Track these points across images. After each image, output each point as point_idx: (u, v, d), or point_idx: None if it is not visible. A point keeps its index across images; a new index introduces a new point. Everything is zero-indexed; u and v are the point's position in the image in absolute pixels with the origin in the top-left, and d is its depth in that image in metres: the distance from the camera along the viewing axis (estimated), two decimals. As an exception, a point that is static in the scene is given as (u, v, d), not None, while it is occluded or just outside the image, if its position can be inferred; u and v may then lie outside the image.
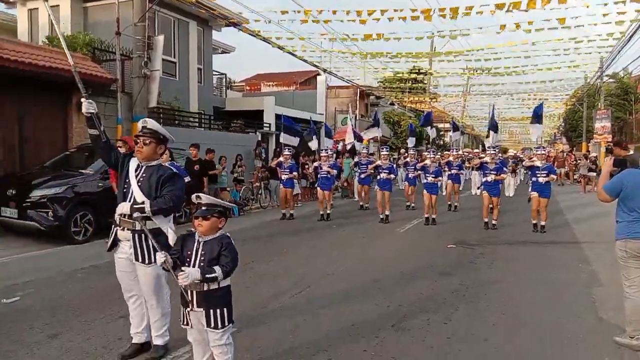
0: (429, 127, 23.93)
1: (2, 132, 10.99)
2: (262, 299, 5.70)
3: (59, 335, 4.54)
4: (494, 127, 17.92)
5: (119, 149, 8.37)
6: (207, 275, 3.15)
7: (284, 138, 15.92)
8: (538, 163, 10.69)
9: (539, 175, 10.61)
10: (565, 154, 27.90)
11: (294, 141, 16.08)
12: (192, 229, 3.40)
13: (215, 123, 18.58)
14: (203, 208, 3.24)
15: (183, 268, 3.18)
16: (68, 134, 12.25)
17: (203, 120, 17.61)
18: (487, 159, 11.69)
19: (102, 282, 6.17)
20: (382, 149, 13.98)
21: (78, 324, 4.83)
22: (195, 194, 3.33)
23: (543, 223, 10.78)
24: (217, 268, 3.17)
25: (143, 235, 3.77)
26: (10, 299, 5.60)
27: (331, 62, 24.24)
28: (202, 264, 3.23)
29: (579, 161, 25.17)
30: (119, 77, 12.91)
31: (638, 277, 4.38)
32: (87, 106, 3.94)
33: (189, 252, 3.29)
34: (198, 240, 3.29)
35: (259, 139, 19.22)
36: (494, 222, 11.27)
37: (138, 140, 3.94)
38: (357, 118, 28.81)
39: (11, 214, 8.96)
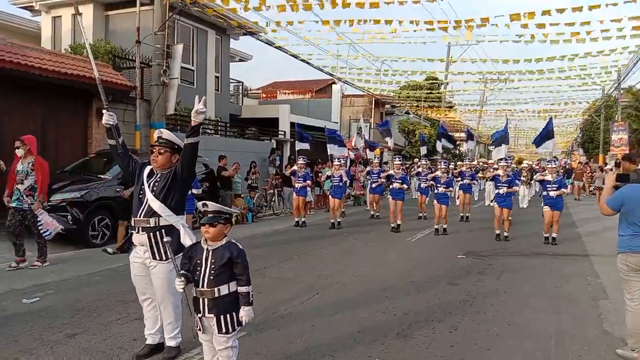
0: (441, 140, 23.84)
1: (25, 137, 11.32)
2: (272, 304, 5.85)
3: (76, 335, 4.74)
4: (504, 139, 17.80)
5: (17, 150, 7.39)
6: (251, 300, 3.41)
7: (299, 145, 16.18)
8: (549, 177, 10.76)
9: (549, 189, 10.68)
10: (583, 165, 27.23)
11: (305, 146, 16.37)
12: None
13: (230, 130, 18.87)
14: (210, 215, 3.37)
15: (242, 315, 3.38)
16: (88, 140, 12.58)
17: (219, 127, 17.90)
18: (500, 171, 11.73)
19: (118, 285, 6.38)
20: (395, 158, 14.09)
21: (95, 324, 5.03)
22: (202, 202, 3.47)
23: (555, 235, 10.80)
24: (244, 289, 3.38)
25: (158, 233, 3.96)
26: (31, 300, 5.83)
27: (347, 70, 24.42)
28: (212, 271, 3.36)
29: (594, 173, 24.95)
30: (138, 84, 13.22)
31: (639, 290, 4.45)
32: (108, 117, 4.16)
33: (198, 261, 3.41)
34: (207, 249, 3.41)
35: (274, 146, 19.44)
36: (505, 234, 11.30)
37: (154, 150, 4.13)
38: (372, 127, 28.91)
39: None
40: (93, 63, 4.68)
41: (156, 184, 4.05)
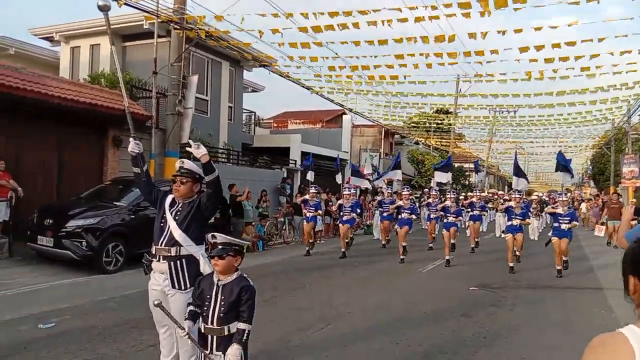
0: (446, 172, 23.74)
1: (42, 164, 11.56)
2: (284, 334, 5.86)
3: (93, 361, 4.79)
4: (518, 173, 17.76)
5: None
6: (245, 339, 3.15)
7: (310, 175, 16.32)
8: (560, 210, 10.75)
9: (561, 221, 10.65)
10: (619, 199, 20.62)
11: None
12: None
13: (242, 159, 19.09)
14: (219, 247, 3.23)
15: (229, 353, 3.09)
16: (104, 167, 12.80)
17: (231, 156, 18.12)
18: (513, 203, 11.76)
19: (133, 312, 6.42)
20: (404, 189, 14.12)
21: (111, 350, 5.08)
22: (211, 233, 3.41)
23: (565, 258, 10.79)
24: (242, 325, 3.17)
25: (178, 262, 4.02)
26: (47, 325, 5.89)
27: (356, 102, 24.75)
28: (222, 308, 3.21)
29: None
30: (154, 113, 13.49)
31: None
32: (134, 146, 4.27)
33: (207, 296, 3.28)
34: (217, 284, 3.28)
35: (284, 175, 19.60)
36: (517, 253, 11.51)
37: (176, 180, 4.24)
38: (382, 157, 29.07)
39: (47, 242, 9.34)
40: (124, 93, 4.88)
41: (178, 213, 4.14)
